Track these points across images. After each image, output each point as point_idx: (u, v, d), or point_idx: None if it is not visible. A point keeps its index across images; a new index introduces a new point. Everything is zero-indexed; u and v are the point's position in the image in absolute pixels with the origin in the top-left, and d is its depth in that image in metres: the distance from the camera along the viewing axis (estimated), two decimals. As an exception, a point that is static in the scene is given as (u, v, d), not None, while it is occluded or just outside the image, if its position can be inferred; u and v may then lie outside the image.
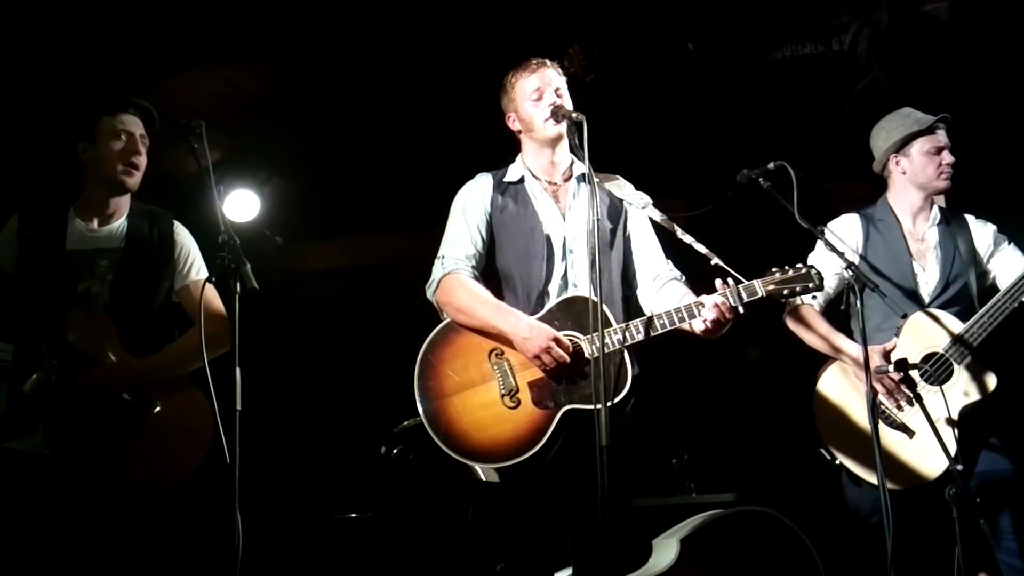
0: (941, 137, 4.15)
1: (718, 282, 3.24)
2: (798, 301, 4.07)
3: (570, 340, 3.29)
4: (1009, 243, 4.12)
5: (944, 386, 3.82)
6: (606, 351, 3.16)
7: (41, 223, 3.70)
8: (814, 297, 3.96)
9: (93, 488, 3.46)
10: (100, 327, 3.62)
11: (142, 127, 3.77)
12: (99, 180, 3.74)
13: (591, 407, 3.18)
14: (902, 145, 4.16)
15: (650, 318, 3.28)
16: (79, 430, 3.49)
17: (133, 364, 3.61)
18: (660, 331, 3.27)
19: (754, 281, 3.26)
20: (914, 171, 4.14)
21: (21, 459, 3.51)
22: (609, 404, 2.99)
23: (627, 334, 3.26)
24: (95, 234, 3.74)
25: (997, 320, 3.85)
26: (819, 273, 3.30)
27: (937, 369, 3.87)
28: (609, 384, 3.15)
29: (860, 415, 3.92)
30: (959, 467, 3.54)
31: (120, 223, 3.79)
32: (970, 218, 4.20)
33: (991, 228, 4.16)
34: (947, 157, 4.11)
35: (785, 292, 3.26)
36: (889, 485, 3.60)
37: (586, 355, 3.27)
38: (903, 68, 5.75)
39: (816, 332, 4.06)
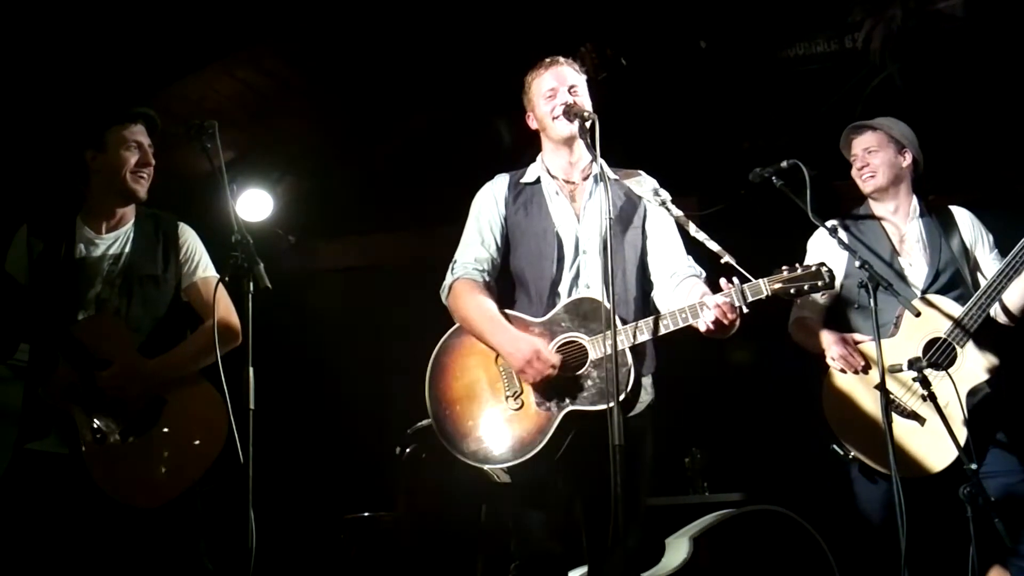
0: (857, 142, 4.25)
1: (723, 281, 3.19)
2: (804, 313, 4.14)
3: (574, 342, 3.28)
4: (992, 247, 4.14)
5: (950, 370, 3.81)
6: (609, 353, 3.12)
7: (50, 233, 3.74)
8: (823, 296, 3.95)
9: (112, 486, 3.49)
10: (111, 329, 3.65)
11: (148, 136, 3.83)
12: (109, 189, 3.78)
13: (592, 408, 3.20)
14: (848, 157, 4.32)
15: (656, 318, 3.26)
16: (94, 430, 3.51)
17: (145, 364, 3.63)
18: (665, 331, 3.23)
19: (760, 280, 3.19)
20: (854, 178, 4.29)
21: (40, 459, 3.53)
22: (612, 404, 2.96)
23: (634, 334, 3.24)
24: (103, 240, 3.78)
25: (994, 299, 3.85)
26: (830, 271, 3.21)
27: (941, 354, 3.87)
28: (615, 385, 3.10)
29: (869, 406, 3.91)
30: (973, 466, 3.52)
31: (126, 228, 3.83)
32: (955, 209, 4.21)
33: (975, 220, 4.19)
34: (858, 161, 4.23)
35: (792, 291, 3.17)
36: (911, 473, 3.65)
37: (591, 356, 3.26)
38: (917, 65, 5.73)
39: (813, 336, 4.11)
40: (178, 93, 5.41)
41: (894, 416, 3.84)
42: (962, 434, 3.68)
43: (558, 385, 3.27)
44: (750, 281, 3.18)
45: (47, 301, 3.62)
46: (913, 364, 3.64)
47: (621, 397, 3.08)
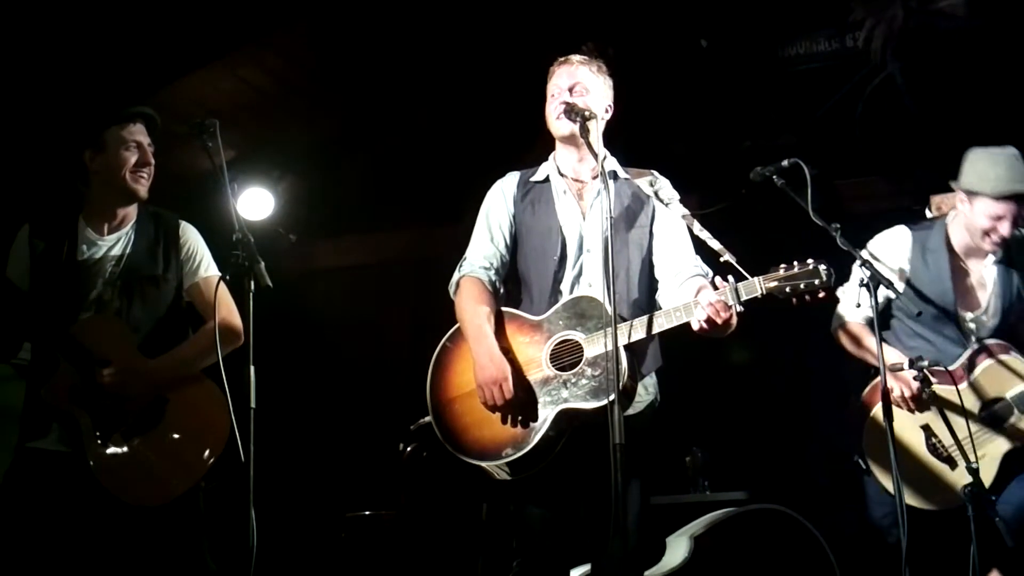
0: (1008, 207, 3.94)
1: (718, 279, 3.15)
2: (852, 319, 4.12)
3: (570, 340, 3.28)
4: None
5: (999, 427, 3.89)
6: (607, 350, 3.12)
7: (52, 234, 3.73)
8: (858, 305, 3.93)
9: (117, 486, 3.48)
10: (112, 330, 3.64)
11: (148, 136, 3.81)
12: (109, 189, 3.77)
13: (584, 405, 3.19)
14: (969, 188, 4.03)
15: (651, 317, 3.22)
16: (96, 431, 3.51)
17: (146, 364, 3.63)
18: (659, 329, 3.20)
19: (755, 278, 3.12)
20: (970, 222, 4.04)
21: (43, 457, 3.53)
22: (612, 397, 2.95)
23: (629, 333, 3.23)
24: (104, 242, 3.77)
25: None
26: (828, 269, 3.10)
27: (996, 413, 3.91)
28: (608, 384, 3.10)
29: (911, 443, 3.95)
30: (975, 465, 3.53)
31: (128, 229, 3.81)
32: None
33: None
34: (1003, 229, 3.95)
35: (788, 290, 3.08)
36: (926, 505, 3.79)
37: (587, 354, 3.26)
38: (918, 65, 5.73)
39: (864, 346, 4.09)
40: (179, 91, 5.41)
41: (928, 455, 3.92)
42: (964, 433, 3.71)
43: (553, 383, 3.27)
44: (746, 280, 3.13)
45: (49, 302, 3.61)
46: (914, 363, 3.66)
47: (612, 396, 3.01)
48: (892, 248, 4.13)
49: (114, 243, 3.77)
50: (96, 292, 3.69)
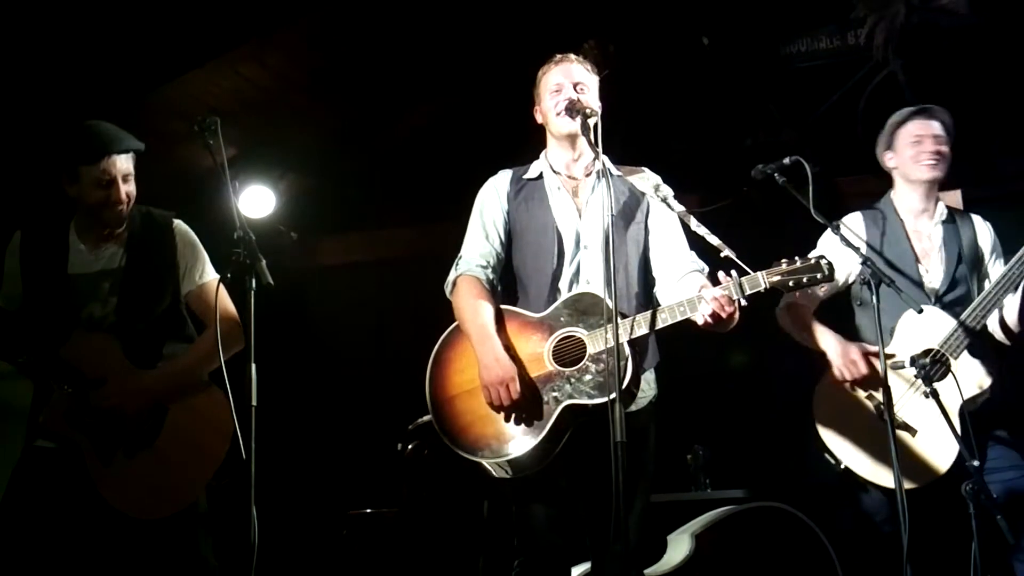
0: (923, 125, 4.04)
1: (721, 274, 3.18)
2: (801, 301, 4.05)
3: (572, 336, 3.28)
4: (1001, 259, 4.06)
5: (942, 382, 3.75)
6: (610, 346, 3.12)
7: (43, 248, 3.65)
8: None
9: (127, 504, 3.46)
10: (103, 346, 3.56)
11: (128, 163, 3.63)
12: (88, 214, 3.65)
13: (589, 401, 3.19)
14: (890, 140, 4.12)
15: (654, 312, 3.24)
16: (99, 452, 3.48)
17: (142, 379, 3.57)
18: (662, 325, 3.22)
19: (758, 273, 3.17)
20: (901, 163, 4.08)
21: (48, 455, 3.52)
22: (610, 399, 2.96)
23: (631, 328, 3.23)
24: (96, 256, 3.68)
25: (991, 309, 3.81)
26: (829, 263, 3.19)
27: (934, 365, 3.80)
28: (612, 380, 3.10)
29: (862, 415, 3.87)
30: (975, 463, 3.52)
31: (120, 238, 3.71)
32: (976, 218, 4.13)
33: (993, 233, 4.10)
34: (929, 144, 4.01)
35: (791, 284, 3.15)
36: (890, 483, 3.59)
37: (589, 350, 3.26)
38: (920, 62, 5.73)
39: (806, 328, 4.04)
40: (180, 89, 5.40)
41: (878, 422, 3.80)
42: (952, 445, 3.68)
43: (556, 380, 3.27)
44: (748, 274, 3.17)
45: (41, 319, 3.55)
46: (915, 360, 3.64)
47: (613, 395, 3.01)
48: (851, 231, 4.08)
49: (106, 257, 3.69)
50: (88, 309, 3.62)
